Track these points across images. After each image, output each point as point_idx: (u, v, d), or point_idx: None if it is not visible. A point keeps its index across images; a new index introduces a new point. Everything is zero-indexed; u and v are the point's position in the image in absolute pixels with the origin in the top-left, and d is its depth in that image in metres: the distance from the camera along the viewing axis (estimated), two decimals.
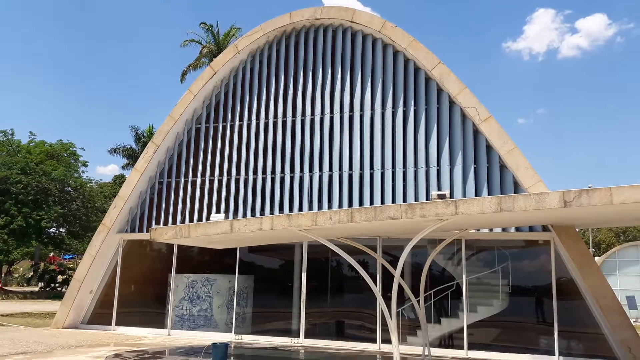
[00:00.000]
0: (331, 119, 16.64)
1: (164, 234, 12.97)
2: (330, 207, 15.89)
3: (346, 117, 16.45)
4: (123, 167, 46.04)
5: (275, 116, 17.40)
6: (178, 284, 17.66)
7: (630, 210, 10.00)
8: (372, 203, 15.42)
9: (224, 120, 18.15)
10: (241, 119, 17.88)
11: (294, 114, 17.15)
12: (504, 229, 14.17)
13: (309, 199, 16.29)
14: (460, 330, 14.35)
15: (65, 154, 41.79)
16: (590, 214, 10.86)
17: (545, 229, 13.81)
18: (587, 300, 13.39)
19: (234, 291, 16.94)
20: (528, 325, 14.46)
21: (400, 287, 12.18)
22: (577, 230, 14.34)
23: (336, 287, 16.72)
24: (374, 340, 15.02)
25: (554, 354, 13.49)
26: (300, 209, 16.24)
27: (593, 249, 59.04)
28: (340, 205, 15.77)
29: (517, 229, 14.14)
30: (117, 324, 17.89)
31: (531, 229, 14.07)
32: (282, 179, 16.77)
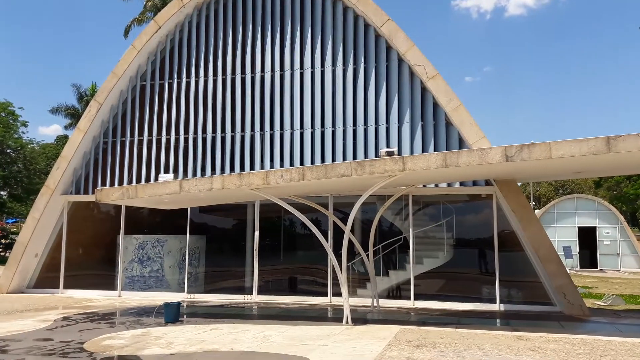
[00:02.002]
0: (281, 77, 16.42)
1: (111, 195, 12.69)
2: (282, 165, 15.89)
3: (297, 74, 16.27)
4: (66, 127, 44.28)
5: (224, 73, 17.01)
6: (127, 245, 17.41)
7: (568, 164, 10.52)
8: (323, 161, 15.52)
9: (170, 77, 17.60)
10: (188, 76, 17.39)
11: (243, 71, 16.82)
12: (449, 184, 14.63)
13: (261, 158, 16.21)
14: (408, 282, 14.92)
15: (3, 114, 39.59)
16: (530, 168, 11.36)
17: (488, 183, 14.35)
18: (526, 251, 14.12)
19: (185, 251, 16.88)
20: (471, 276, 15.18)
21: (350, 243, 12.50)
22: (519, 184, 14.96)
23: (289, 245, 16.94)
24: (325, 294, 15.41)
25: (495, 302, 14.26)
26: (252, 168, 16.16)
27: (533, 203, 61.92)
28: (291, 164, 15.79)
29: (462, 184, 14.63)
30: (65, 287, 17.57)
31: (475, 183, 14.58)
32: (233, 138, 16.57)
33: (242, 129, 16.51)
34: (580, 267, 32.66)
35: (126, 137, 17.63)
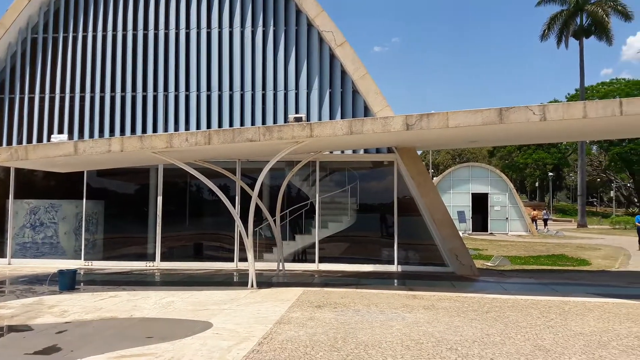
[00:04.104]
0: (187, 35, 15.76)
1: None
2: (187, 129, 15.42)
3: (203, 33, 15.69)
4: None
5: (125, 28, 16.01)
6: (17, 210, 16.22)
7: (464, 133, 11.13)
8: (231, 125, 15.25)
9: (65, 30, 16.28)
10: (85, 29, 16.18)
11: (145, 27, 15.92)
12: (354, 151, 15.00)
13: (164, 120, 15.61)
14: (313, 246, 15.27)
15: None
16: (429, 136, 11.89)
17: (390, 151, 14.87)
18: (423, 216, 14.89)
19: (82, 217, 16.02)
20: (372, 239, 15.81)
21: (258, 208, 12.50)
22: (419, 152, 15.65)
23: (195, 211, 16.57)
24: (231, 260, 15.39)
25: (393, 264, 15.01)
26: (155, 130, 15.54)
27: (432, 170, 65.26)
28: (198, 127, 15.37)
29: (366, 151, 15.07)
30: None
31: (378, 151, 15.07)
32: (134, 98, 15.76)
33: (144, 89, 15.75)
34: (473, 230, 35.12)
35: (15, 93, 16.21)
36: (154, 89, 15.70)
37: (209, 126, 15.34)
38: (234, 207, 12.29)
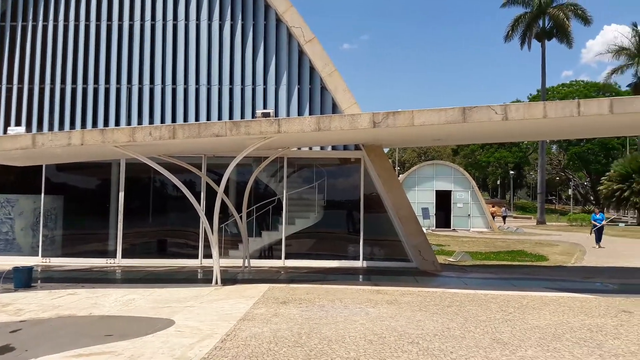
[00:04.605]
0: (152, 27, 15.45)
1: None
2: (151, 122, 15.13)
3: (169, 25, 15.41)
4: None
5: (88, 18, 15.58)
6: None
7: (429, 131, 11.28)
8: (197, 120, 15.05)
9: (25, 19, 15.73)
10: (46, 19, 15.67)
11: (109, 18, 15.54)
12: (322, 148, 15.02)
13: (127, 113, 15.28)
14: (279, 242, 15.23)
15: None
16: (395, 134, 12.01)
17: (357, 148, 14.95)
18: (389, 212, 15.03)
19: (40, 212, 15.54)
20: (339, 235, 15.87)
21: (224, 204, 12.38)
22: (385, 150, 15.78)
23: (159, 207, 16.29)
24: (196, 257, 15.20)
25: (359, 259, 15.11)
26: (118, 123, 15.19)
27: (399, 168, 66.00)
28: (162, 121, 15.11)
29: (334, 148, 15.11)
30: None
31: (345, 148, 15.13)
32: (96, 90, 15.36)
33: (107, 81, 15.37)
34: (436, 227, 35.67)
35: None
36: (117, 81, 15.35)
37: (174, 120, 15.10)
38: (199, 203, 12.13)
